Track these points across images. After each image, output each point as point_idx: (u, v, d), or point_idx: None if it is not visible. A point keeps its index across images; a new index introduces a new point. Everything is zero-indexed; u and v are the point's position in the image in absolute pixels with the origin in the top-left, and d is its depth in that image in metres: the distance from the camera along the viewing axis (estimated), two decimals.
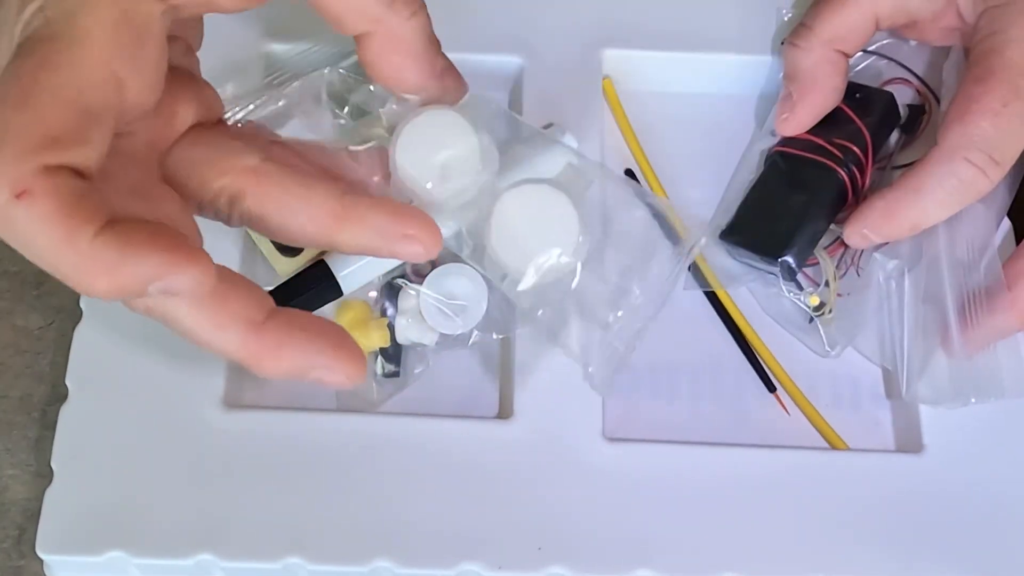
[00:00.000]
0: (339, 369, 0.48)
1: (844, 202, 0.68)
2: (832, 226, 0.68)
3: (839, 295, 0.67)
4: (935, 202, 0.64)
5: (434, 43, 0.55)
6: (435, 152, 0.56)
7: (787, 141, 0.69)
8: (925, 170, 0.64)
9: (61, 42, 0.44)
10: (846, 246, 0.67)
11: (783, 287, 0.67)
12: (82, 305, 0.66)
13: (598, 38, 0.74)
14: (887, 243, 0.67)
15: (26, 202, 0.42)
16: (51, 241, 0.42)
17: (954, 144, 0.63)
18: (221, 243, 0.67)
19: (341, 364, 0.48)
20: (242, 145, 0.52)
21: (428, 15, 0.54)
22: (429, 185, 0.56)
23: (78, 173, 0.43)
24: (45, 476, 0.64)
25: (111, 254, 0.43)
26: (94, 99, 0.44)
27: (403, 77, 0.55)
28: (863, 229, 0.66)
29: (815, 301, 0.67)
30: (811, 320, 0.68)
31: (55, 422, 0.64)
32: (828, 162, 0.67)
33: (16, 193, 0.42)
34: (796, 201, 0.67)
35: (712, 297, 0.69)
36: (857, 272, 0.68)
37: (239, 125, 0.56)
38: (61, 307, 0.70)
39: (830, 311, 0.67)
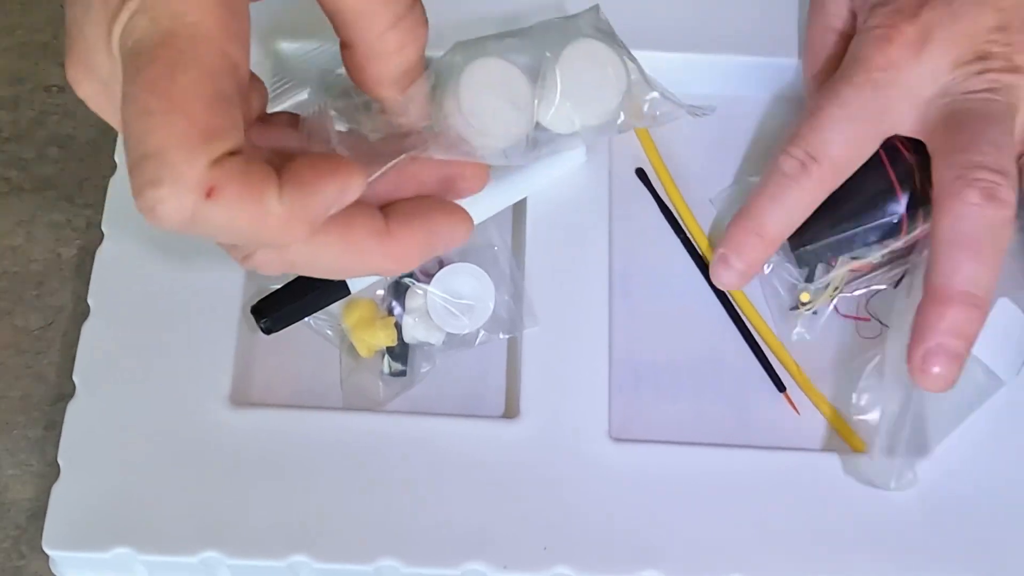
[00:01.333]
0: (459, 233, 0.55)
1: (894, 233, 0.66)
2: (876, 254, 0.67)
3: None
4: (767, 197, 0.65)
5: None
6: (497, 98, 0.57)
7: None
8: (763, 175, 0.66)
9: (181, 40, 0.45)
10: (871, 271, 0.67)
11: (791, 267, 0.67)
12: (90, 301, 0.66)
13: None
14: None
15: (215, 198, 0.44)
16: (249, 219, 0.46)
17: (782, 145, 0.65)
18: None
19: (458, 227, 0.55)
20: (306, 135, 0.54)
21: None
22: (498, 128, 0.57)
23: (236, 153, 0.45)
24: (45, 476, 0.65)
25: (298, 202, 0.46)
26: (225, 86, 0.46)
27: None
28: (719, 249, 0.66)
29: (806, 297, 0.67)
30: (792, 308, 0.68)
31: (55, 422, 0.64)
32: (897, 185, 0.66)
33: (205, 193, 0.44)
34: (848, 201, 0.66)
35: (721, 296, 0.69)
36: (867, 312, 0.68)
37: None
38: (61, 307, 0.70)
39: (813, 311, 0.68)
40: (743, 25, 0.74)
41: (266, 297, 0.65)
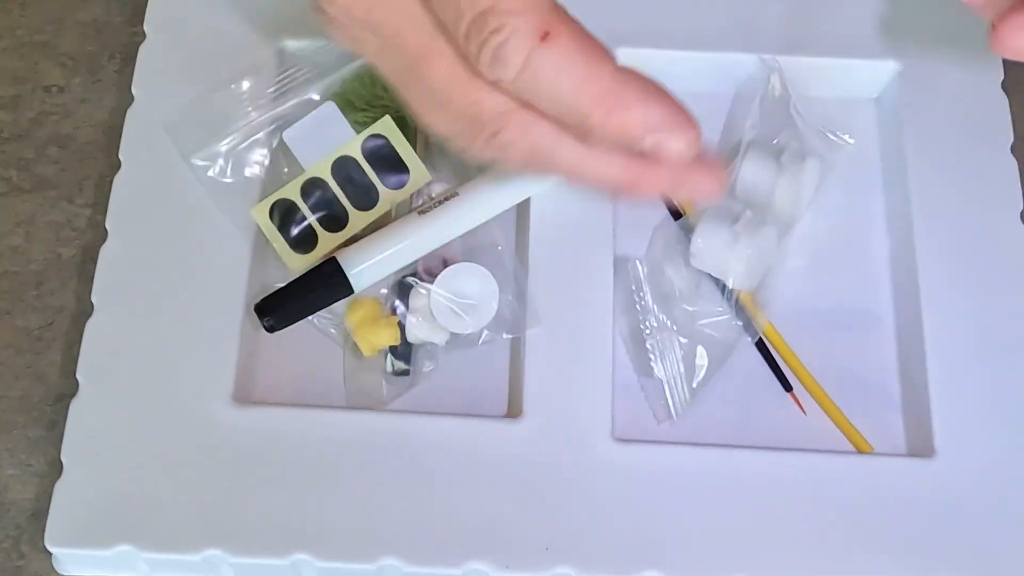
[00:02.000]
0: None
1: None
2: None
3: None
4: None
5: None
6: None
7: None
8: None
9: None
10: None
11: None
12: (93, 299, 0.66)
13: (610, 37, 0.73)
14: None
15: (550, 43, 0.45)
16: (574, 79, 0.46)
17: None
18: (232, 239, 0.67)
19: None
20: None
21: None
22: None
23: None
24: (46, 476, 0.65)
25: (631, 92, 0.46)
26: None
27: None
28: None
29: None
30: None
31: (56, 422, 0.64)
32: None
33: (541, 36, 0.45)
34: None
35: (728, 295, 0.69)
36: None
37: None
38: (61, 307, 0.70)
39: None
40: (741, 23, 0.74)
41: (269, 295, 0.65)
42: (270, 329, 0.64)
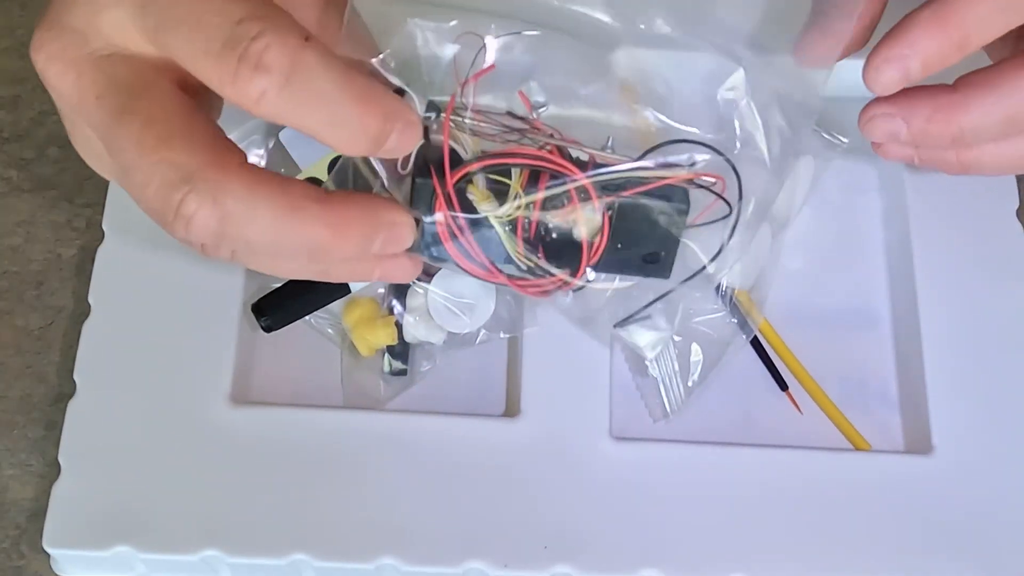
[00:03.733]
0: (403, 230, 0.52)
1: None
2: None
3: None
4: None
5: None
6: None
7: None
8: None
9: None
10: None
11: None
12: (90, 300, 0.66)
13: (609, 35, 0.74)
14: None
15: (311, 44, 0.46)
16: (333, 79, 0.46)
17: None
18: None
19: (401, 223, 0.52)
20: None
21: None
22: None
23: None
24: (45, 476, 0.65)
25: (379, 91, 0.48)
26: None
27: None
28: (897, 49, 0.53)
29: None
30: None
31: (55, 422, 0.64)
32: None
33: (304, 38, 0.46)
34: None
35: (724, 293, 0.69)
36: None
37: None
38: (61, 307, 0.70)
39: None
40: (746, 23, 0.74)
41: (266, 295, 0.65)
42: (267, 329, 0.64)
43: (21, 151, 0.74)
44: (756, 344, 0.68)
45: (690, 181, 0.57)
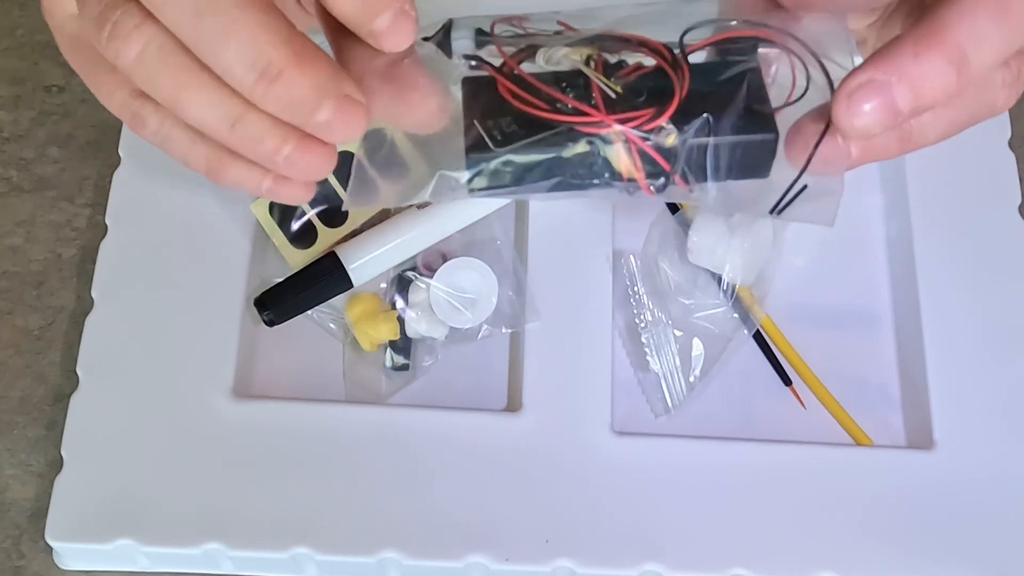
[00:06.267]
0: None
1: None
2: None
3: None
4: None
5: None
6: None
7: None
8: None
9: None
10: None
11: None
12: (93, 294, 0.66)
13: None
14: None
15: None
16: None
17: None
18: (232, 235, 0.67)
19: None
20: None
21: None
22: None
23: None
24: (45, 476, 0.65)
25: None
26: None
27: None
28: (880, 75, 0.45)
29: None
30: None
31: (56, 422, 0.64)
32: None
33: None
34: None
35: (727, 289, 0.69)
36: None
37: None
38: (61, 307, 0.70)
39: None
40: None
41: (269, 289, 0.65)
42: (269, 323, 0.64)
43: (21, 151, 0.74)
44: (759, 339, 0.68)
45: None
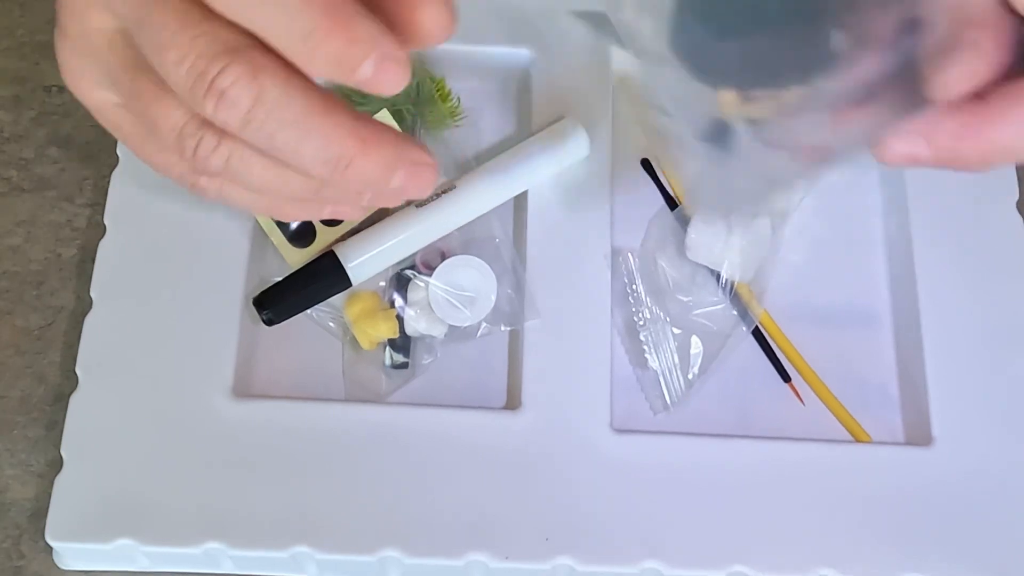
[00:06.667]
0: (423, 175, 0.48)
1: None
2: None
3: None
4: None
5: None
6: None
7: None
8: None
9: None
10: None
11: None
12: (92, 294, 0.66)
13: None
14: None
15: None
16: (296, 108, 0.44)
17: None
18: (231, 234, 0.67)
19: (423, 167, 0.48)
20: None
21: None
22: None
23: None
24: (45, 476, 0.64)
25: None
26: None
27: None
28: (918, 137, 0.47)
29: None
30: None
31: (56, 422, 0.64)
32: None
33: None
34: None
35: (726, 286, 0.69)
36: None
37: None
38: (61, 307, 0.70)
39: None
40: None
41: (268, 289, 0.65)
42: (268, 322, 0.65)
43: (21, 151, 0.74)
44: (758, 336, 0.68)
45: None
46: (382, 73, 0.44)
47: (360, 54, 0.44)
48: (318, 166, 0.46)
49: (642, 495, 0.63)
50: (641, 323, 0.67)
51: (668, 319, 0.67)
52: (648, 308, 0.67)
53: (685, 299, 0.68)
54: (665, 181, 0.72)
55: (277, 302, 0.65)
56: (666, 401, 0.66)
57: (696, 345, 0.67)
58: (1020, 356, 0.67)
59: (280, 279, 0.65)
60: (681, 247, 0.68)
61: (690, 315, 0.67)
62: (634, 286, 0.68)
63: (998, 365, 0.66)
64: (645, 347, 0.67)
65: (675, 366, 0.66)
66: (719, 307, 0.67)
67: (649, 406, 0.67)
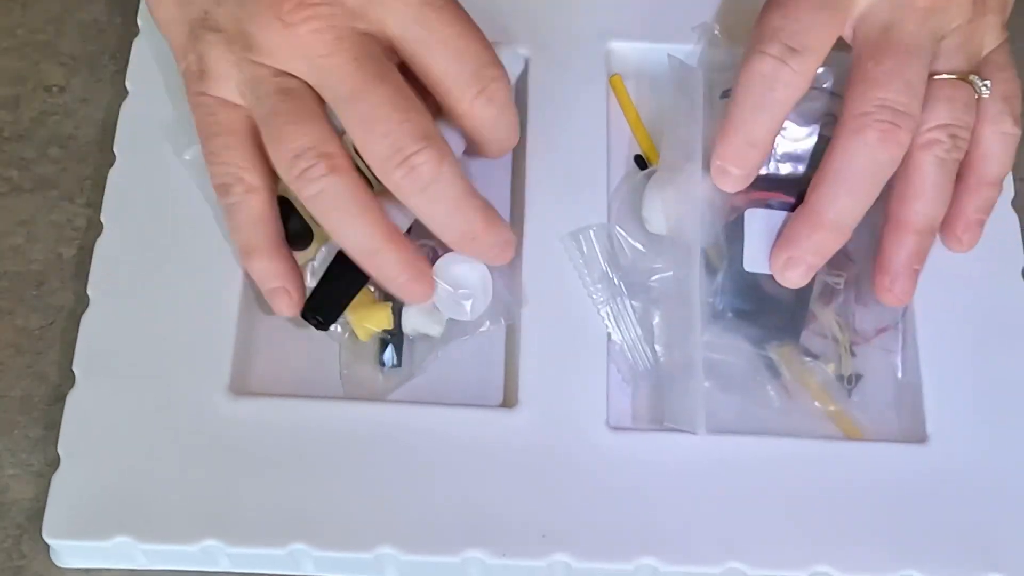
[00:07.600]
0: None
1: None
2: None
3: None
4: (749, 107, 0.65)
5: None
6: None
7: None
8: (735, 82, 0.65)
9: None
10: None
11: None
12: (89, 292, 0.66)
13: (604, 30, 0.74)
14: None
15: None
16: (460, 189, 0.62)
17: (751, 45, 0.65)
18: (227, 232, 0.67)
19: None
20: None
21: None
22: None
23: None
24: (45, 476, 0.64)
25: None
26: None
27: None
28: (716, 161, 0.66)
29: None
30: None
31: (56, 422, 0.64)
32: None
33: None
34: None
35: None
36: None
37: None
38: (61, 307, 0.70)
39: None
40: (735, 15, 0.74)
41: (310, 297, 0.65)
42: (319, 326, 0.64)
43: (21, 151, 0.74)
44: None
45: None
46: (411, 286, 0.63)
47: (400, 271, 0.63)
48: (356, 251, 0.62)
49: (638, 492, 0.63)
50: (601, 300, 0.67)
51: (625, 291, 0.67)
52: (606, 282, 0.67)
53: (642, 269, 0.68)
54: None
55: (323, 305, 0.64)
56: (636, 370, 0.67)
57: (656, 316, 0.67)
58: (1014, 353, 0.67)
59: (315, 285, 0.65)
60: (639, 218, 0.69)
61: (648, 283, 0.67)
62: (588, 262, 0.68)
63: (992, 362, 0.66)
64: (607, 323, 0.67)
65: (639, 338, 0.67)
66: (668, 274, 0.68)
67: (622, 378, 0.68)
